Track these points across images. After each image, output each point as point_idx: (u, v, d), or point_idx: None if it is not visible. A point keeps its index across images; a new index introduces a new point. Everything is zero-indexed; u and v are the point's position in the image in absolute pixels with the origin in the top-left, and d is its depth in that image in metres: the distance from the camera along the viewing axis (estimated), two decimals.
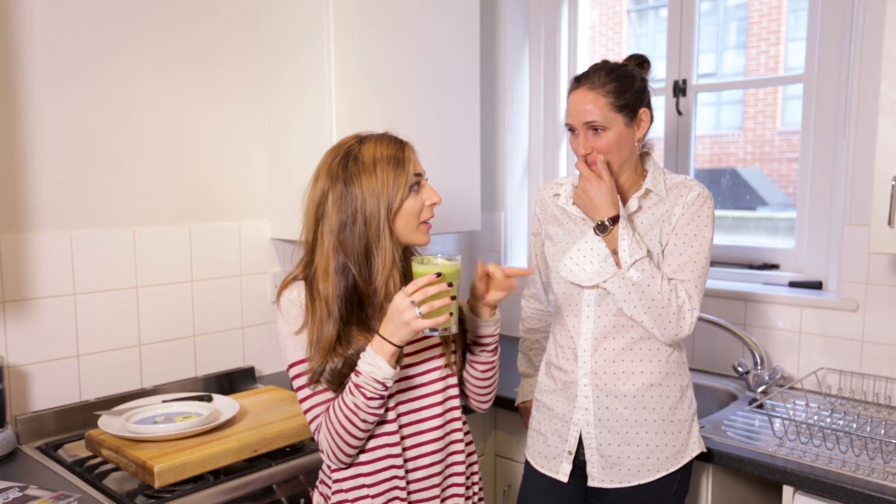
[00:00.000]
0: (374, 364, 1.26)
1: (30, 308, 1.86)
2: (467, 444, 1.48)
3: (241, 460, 1.67)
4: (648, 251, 1.58)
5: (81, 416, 1.91)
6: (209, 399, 1.92)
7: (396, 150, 1.35)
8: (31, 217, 1.86)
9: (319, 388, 1.33)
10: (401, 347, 1.27)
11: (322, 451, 1.35)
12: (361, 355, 1.29)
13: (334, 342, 1.31)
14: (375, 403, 1.28)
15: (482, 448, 2.24)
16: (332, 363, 1.31)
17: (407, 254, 1.42)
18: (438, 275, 1.24)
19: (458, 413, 1.45)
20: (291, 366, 1.35)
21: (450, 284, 1.26)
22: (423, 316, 1.23)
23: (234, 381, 2.25)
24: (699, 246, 1.59)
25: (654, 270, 1.54)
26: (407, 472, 1.38)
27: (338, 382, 1.32)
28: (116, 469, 1.64)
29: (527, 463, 1.78)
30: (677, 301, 1.54)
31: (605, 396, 1.62)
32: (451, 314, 1.26)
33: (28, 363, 1.87)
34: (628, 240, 1.54)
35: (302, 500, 1.71)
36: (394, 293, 1.32)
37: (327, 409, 1.32)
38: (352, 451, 1.34)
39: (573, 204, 1.68)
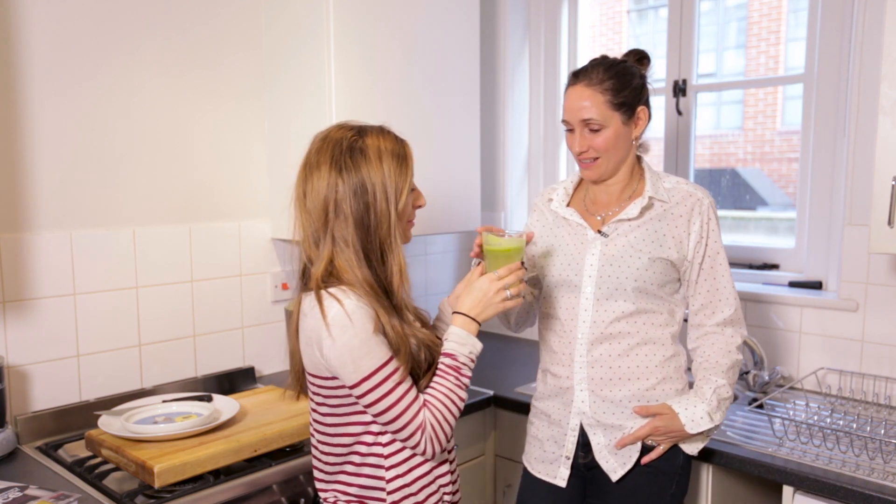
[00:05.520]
0: (469, 343, 1.33)
1: (30, 308, 1.86)
2: None
3: (241, 460, 1.67)
4: (667, 260, 1.60)
5: (81, 416, 1.91)
6: (209, 399, 1.92)
7: (398, 146, 1.34)
8: (31, 217, 1.86)
9: (408, 384, 1.28)
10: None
11: (424, 451, 1.30)
12: (445, 337, 1.33)
13: (403, 328, 1.30)
14: (469, 381, 1.34)
15: (482, 448, 2.24)
16: (413, 350, 1.30)
17: None
18: (522, 263, 1.41)
19: None
20: (376, 371, 1.25)
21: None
22: (512, 297, 1.36)
23: (234, 381, 2.25)
24: (722, 269, 1.64)
25: (727, 387, 1.61)
26: (448, 452, 1.41)
27: (422, 372, 1.33)
28: (116, 469, 1.64)
29: (524, 468, 1.78)
30: (738, 355, 1.65)
31: (602, 401, 1.62)
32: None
33: (28, 363, 1.87)
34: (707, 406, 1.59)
35: (302, 500, 1.71)
36: (407, 291, 1.34)
37: (425, 405, 1.29)
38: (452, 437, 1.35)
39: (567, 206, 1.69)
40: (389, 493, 1.33)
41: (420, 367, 1.32)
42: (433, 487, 1.36)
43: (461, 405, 1.32)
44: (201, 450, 1.60)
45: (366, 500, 1.35)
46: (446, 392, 1.30)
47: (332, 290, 1.27)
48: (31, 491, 1.48)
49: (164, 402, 1.89)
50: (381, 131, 1.36)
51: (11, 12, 1.80)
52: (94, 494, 1.52)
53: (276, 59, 2.27)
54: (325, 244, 1.31)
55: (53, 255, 1.89)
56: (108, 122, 1.99)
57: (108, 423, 1.72)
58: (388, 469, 1.32)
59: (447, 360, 1.31)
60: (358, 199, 1.28)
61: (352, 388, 1.27)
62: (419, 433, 1.28)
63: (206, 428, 1.71)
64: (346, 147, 1.31)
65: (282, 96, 2.27)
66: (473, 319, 1.34)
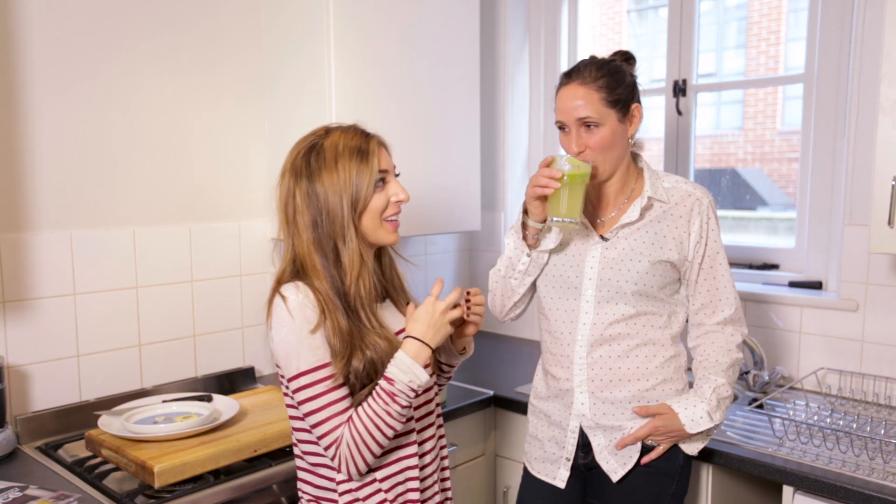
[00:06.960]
0: (412, 372, 1.25)
1: (30, 308, 1.86)
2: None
3: (241, 460, 1.67)
4: (668, 261, 1.60)
5: (81, 416, 1.91)
6: (209, 399, 1.92)
7: (361, 142, 1.31)
8: (31, 217, 1.86)
9: (337, 395, 1.25)
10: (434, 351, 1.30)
11: (339, 467, 1.27)
12: (392, 360, 1.27)
13: (353, 338, 1.27)
14: (407, 411, 1.27)
15: (482, 448, 2.24)
16: (356, 363, 1.26)
17: (382, 253, 1.42)
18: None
19: (440, 410, 1.48)
20: (306, 372, 1.24)
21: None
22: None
23: (234, 381, 2.25)
24: (722, 268, 1.64)
25: (727, 386, 1.61)
26: (420, 468, 1.37)
27: (360, 386, 1.27)
28: (116, 469, 1.64)
29: (524, 468, 1.77)
30: (738, 353, 1.65)
31: (601, 403, 1.62)
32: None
33: (28, 363, 1.87)
34: (706, 405, 1.58)
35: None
36: (365, 295, 1.30)
37: (348, 421, 1.25)
38: (374, 462, 1.29)
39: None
40: (341, 494, 1.32)
41: (359, 379, 1.27)
42: (377, 498, 1.32)
43: (389, 433, 1.25)
44: (201, 450, 1.60)
45: (321, 501, 1.36)
46: (372, 416, 1.24)
47: (285, 285, 1.28)
48: (31, 491, 1.48)
49: (164, 402, 1.89)
50: (349, 128, 1.34)
51: (10, 11, 1.80)
52: (94, 494, 1.52)
53: (277, 59, 2.27)
54: (288, 246, 1.33)
55: (53, 255, 1.89)
56: (108, 121, 1.98)
57: (108, 423, 1.72)
58: (339, 472, 1.32)
59: (384, 384, 1.25)
60: (311, 201, 1.29)
61: (288, 381, 1.28)
62: (334, 447, 1.26)
63: (206, 428, 1.71)
64: (304, 149, 1.32)
65: (281, 96, 2.27)
66: (426, 344, 1.28)
